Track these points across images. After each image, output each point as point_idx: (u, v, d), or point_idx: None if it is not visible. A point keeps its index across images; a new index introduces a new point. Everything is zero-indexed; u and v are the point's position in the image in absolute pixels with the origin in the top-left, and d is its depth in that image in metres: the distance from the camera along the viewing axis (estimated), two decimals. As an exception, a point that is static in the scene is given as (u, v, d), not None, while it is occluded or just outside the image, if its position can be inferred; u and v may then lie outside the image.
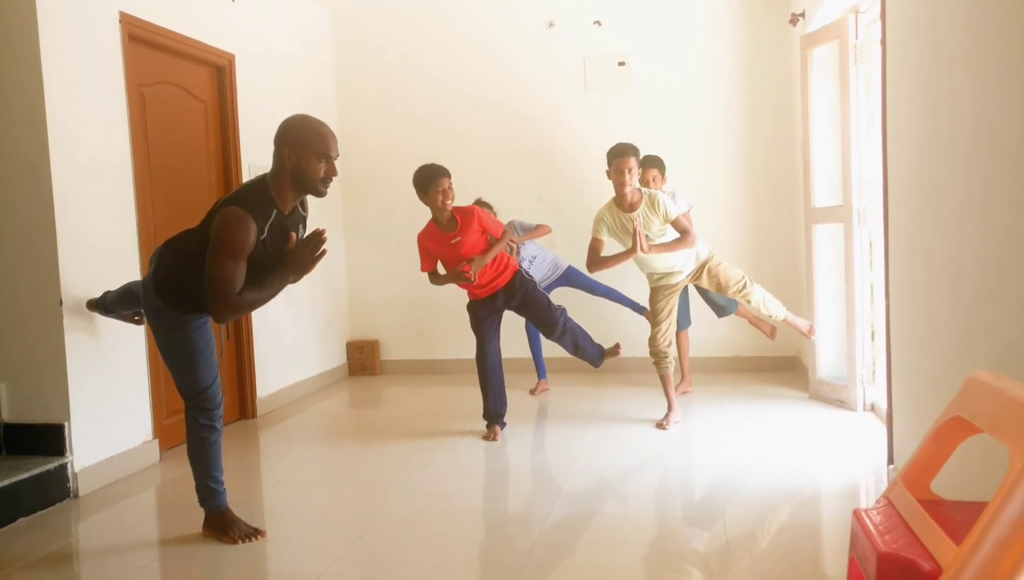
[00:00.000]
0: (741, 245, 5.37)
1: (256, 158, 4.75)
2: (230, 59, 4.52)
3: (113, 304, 3.21)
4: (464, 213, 3.79)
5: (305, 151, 2.48)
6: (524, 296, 3.97)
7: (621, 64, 5.47)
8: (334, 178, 2.56)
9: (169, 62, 4.10)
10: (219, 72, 4.50)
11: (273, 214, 2.49)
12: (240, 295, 2.43)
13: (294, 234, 2.58)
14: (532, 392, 4.97)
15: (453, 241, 3.77)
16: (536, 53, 5.60)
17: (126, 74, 3.67)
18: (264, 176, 2.56)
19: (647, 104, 5.45)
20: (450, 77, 5.74)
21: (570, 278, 4.92)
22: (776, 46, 5.27)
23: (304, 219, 2.70)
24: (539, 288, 4.08)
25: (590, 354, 4.14)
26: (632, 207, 3.87)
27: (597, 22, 5.48)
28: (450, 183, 3.73)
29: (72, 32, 3.37)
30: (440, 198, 3.70)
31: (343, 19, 5.88)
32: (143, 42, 3.85)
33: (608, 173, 3.86)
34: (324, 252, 2.53)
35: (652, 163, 4.47)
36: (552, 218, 5.54)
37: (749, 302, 4.17)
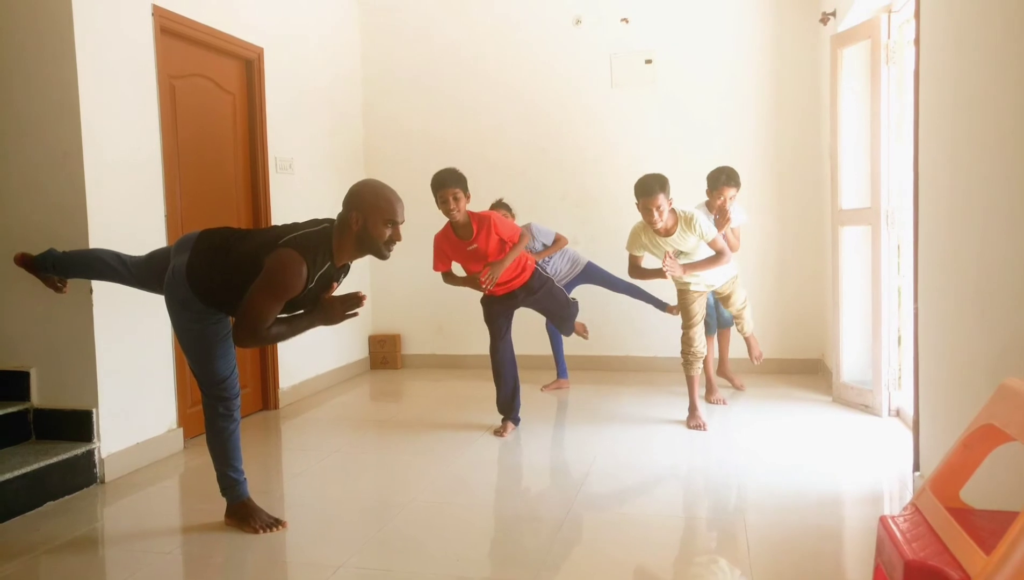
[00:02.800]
0: (767, 246, 5.33)
1: (282, 151, 4.80)
2: (259, 52, 4.56)
3: (61, 266, 2.90)
4: (480, 220, 3.73)
5: (373, 216, 2.55)
6: (543, 294, 4.00)
7: (648, 62, 5.44)
8: (398, 242, 2.64)
9: (199, 55, 4.14)
10: (248, 65, 4.54)
11: (326, 266, 2.56)
12: (268, 329, 2.49)
13: (336, 284, 2.65)
14: (545, 388, 4.96)
15: (469, 248, 3.76)
16: (563, 49, 5.59)
17: (158, 66, 3.72)
18: (330, 227, 2.60)
19: (673, 102, 5.42)
20: (477, 71, 5.74)
21: (590, 275, 4.86)
22: (805, 45, 5.21)
23: (348, 269, 2.75)
24: (557, 285, 4.09)
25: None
26: (667, 233, 3.80)
27: (624, 19, 5.45)
28: (456, 193, 3.61)
29: (106, 24, 3.42)
30: (444, 207, 3.66)
31: (371, 11, 5.91)
32: (174, 35, 3.89)
33: (637, 205, 3.74)
34: (356, 314, 2.60)
35: (733, 182, 4.24)
36: (575, 215, 5.55)
37: (742, 319, 4.38)
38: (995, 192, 2.17)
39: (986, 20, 2.24)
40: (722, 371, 4.87)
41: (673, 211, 3.76)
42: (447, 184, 3.62)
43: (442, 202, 3.65)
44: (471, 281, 3.80)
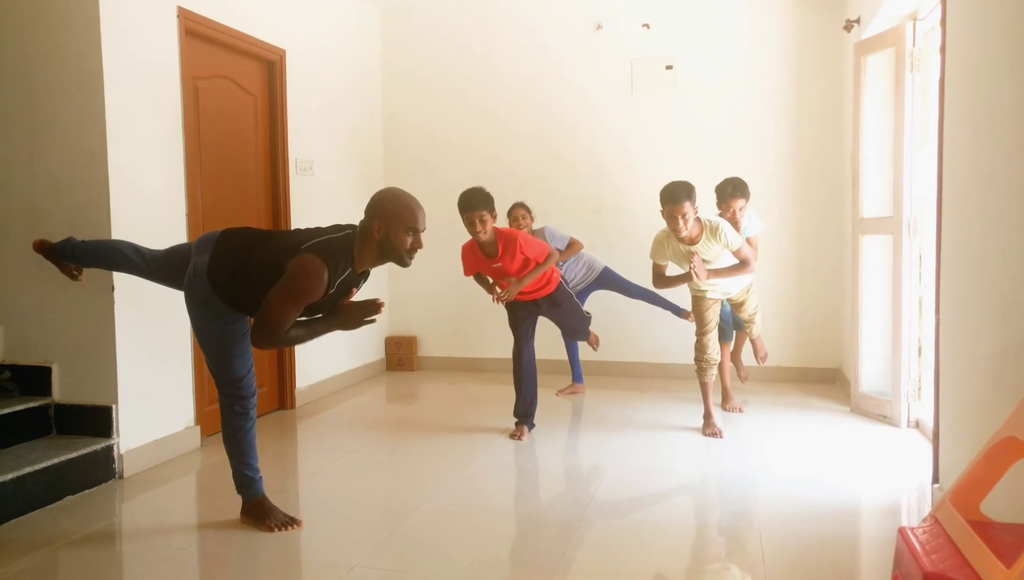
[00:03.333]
0: (786, 254, 5.29)
1: (302, 152, 4.83)
2: (281, 54, 4.60)
3: (79, 254, 2.93)
4: (506, 240, 3.75)
5: (395, 224, 2.58)
6: (564, 309, 4.07)
7: (668, 68, 5.43)
8: (419, 250, 2.66)
9: (223, 56, 4.18)
10: (270, 67, 4.58)
11: (347, 272, 2.58)
12: (286, 332, 2.51)
13: (355, 290, 2.67)
14: (560, 392, 4.96)
15: (495, 265, 3.81)
16: (583, 54, 5.59)
17: (182, 67, 3.76)
18: (352, 233, 2.62)
19: (694, 108, 5.40)
20: (496, 75, 5.76)
21: (605, 280, 4.85)
22: (828, 52, 5.18)
23: (368, 275, 2.77)
24: (577, 301, 4.17)
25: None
26: (692, 241, 3.77)
27: (646, 25, 5.44)
28: (482, 215, 3.62)
29: (132, 25, 3.46)
30: (471, 229, 3.68)
31: (392, 15, 5.94)
32: (199, 36, 3.93)
33: (662, 212, 3.72)
34: (374, 321, 2.63)
35: (740, 193, 4.18)
36: (592, 221, 5.54)
37: (753, 324, 4.36)
38: (1020, 202, 2.15)
39: (1013, 28, 2.22)
40: (734, 357, 4.83)
41: (698, 220, 3.74)
42: (474, 207, 3.63)
43: (468, 224, 3.67)
44: (490, 288, 3.89)
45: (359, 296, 2.71)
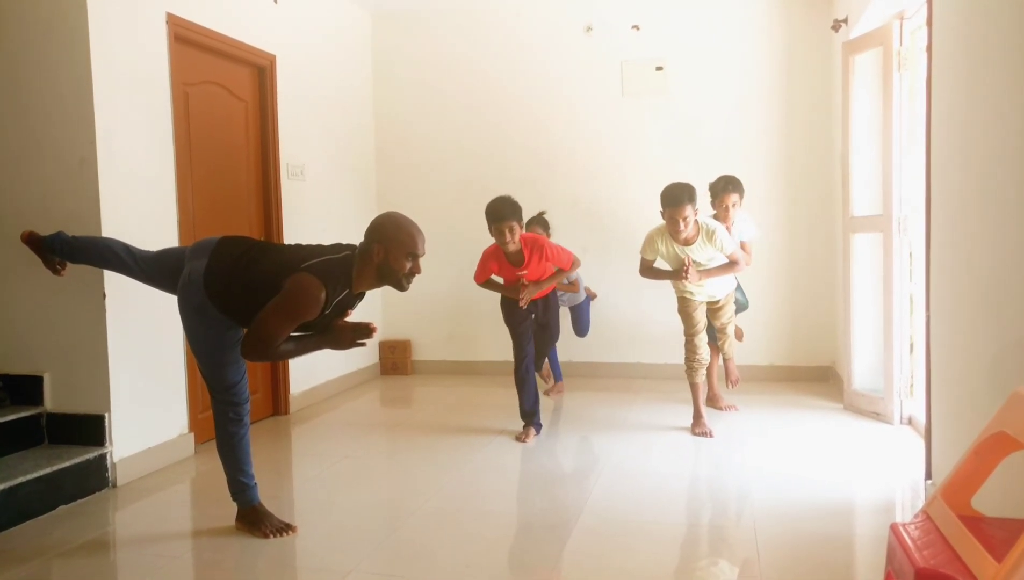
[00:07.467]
0: (778, 252, 5.31)
1: (294, 157, 4.82)
2: (271, 60, 4.60)
3: (68, 250, 2.91)
4: (532, 247, 3.82)
5: (395, 248, 2.59)
6: (551, 317, 4.23)
7: (658, 69, 5.45)
8: (417, 275, 2.67)
9: (213, 62, 4.18)
10: (260, 72, 4.57)
11: (344, 293, 2.59)
12: (277, 346, 2.51)
13: (350, 311, 2.68)
14: (546, 393, 4.97)
15: (520, 273, 3.87)
16: (573, 57, 5.60)
17: (171, 73, 3.75)
18: (351, 255, 2.63)
19: (684, 109, 5.42)
20: (487, 79, 5.76)
21: (575, 309, 5.04)
22: (817, 52, 5.20)
23: (363, 296, 2.77)
24: (558, 318, 4.36)
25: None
26: (687, 242, 3.80)
27: (635, 27, 5.46)
28: (512, 225, 3.70)
29: (121, 32, 3.45)
30: (499, 238, 3.75)
31: (382, 21, 5.94)
32: (188, 42, 3.93)
33: (662, 214, 3.76)
34: (364, 344, 2.65)
35: (732, 188, 4.18)
36: (585, 223, 5.55)
37: (725, 335, 4.29)
38: (1008, 199, 2.16)
39: (998, 26, 2.24)
40: (709, 381, 4.48)
41: (696, 222, 3.77)
42: (505, 217, 3.70)
43: (498, 233, 3.73)
44: (512, 290, 3.93)
45: (354, 316, 2.71)
